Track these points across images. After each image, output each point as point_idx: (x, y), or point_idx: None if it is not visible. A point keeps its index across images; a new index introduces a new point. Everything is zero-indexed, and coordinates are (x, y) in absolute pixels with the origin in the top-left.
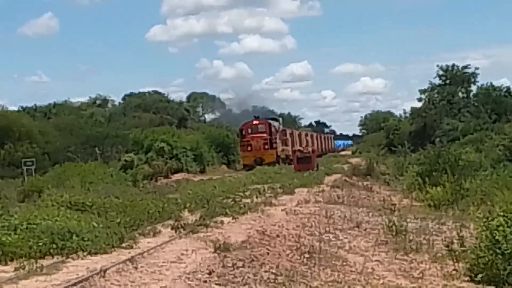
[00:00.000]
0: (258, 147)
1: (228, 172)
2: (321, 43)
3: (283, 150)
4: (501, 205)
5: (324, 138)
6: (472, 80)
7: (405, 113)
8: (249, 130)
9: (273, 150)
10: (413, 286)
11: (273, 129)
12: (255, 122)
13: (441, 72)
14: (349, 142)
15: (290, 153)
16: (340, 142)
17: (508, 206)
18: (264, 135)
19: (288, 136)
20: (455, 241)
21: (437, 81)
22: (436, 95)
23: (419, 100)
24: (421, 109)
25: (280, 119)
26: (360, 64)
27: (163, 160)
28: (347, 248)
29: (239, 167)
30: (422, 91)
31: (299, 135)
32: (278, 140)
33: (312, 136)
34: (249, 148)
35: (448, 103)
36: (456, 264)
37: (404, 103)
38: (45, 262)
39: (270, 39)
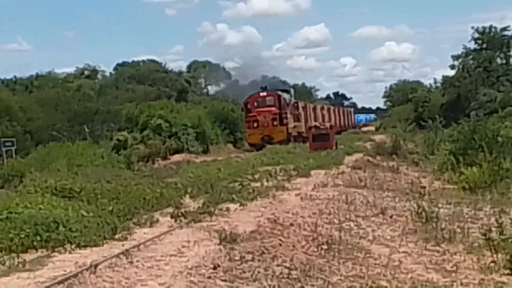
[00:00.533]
0: (266, 123)
1: (235, 152)
2: (339, 2)
3: (295, 126)
4: None
5: (343, 112)
6: None
7: (435, 82)
8: (255, 104)
9: (283, 126)
10: (445, 280)
11: (283, 102)
12: (262, 94)
13: (476, 35)
14: (372, 116)
15: (304, 130)
16: (362, 116)
17: None
18: (273, 109)
19: (301, 110)
20: (493, 229)
21: (472, 45)
22: (471, 62)
23: (452, 67)
24: (454, 78)
25: (292, 90)
26: (384, 27)
27: (160, 139)
28: (370, 238)
29: (246, 147)
30: (455, 57)
31: (314, 109)
32: (289, 115)
33: (329, 110)
34: (255, 124)
35: (485, 70)
36: (494, 255)
37: (434, 71)
38: (28, 256)
39: None
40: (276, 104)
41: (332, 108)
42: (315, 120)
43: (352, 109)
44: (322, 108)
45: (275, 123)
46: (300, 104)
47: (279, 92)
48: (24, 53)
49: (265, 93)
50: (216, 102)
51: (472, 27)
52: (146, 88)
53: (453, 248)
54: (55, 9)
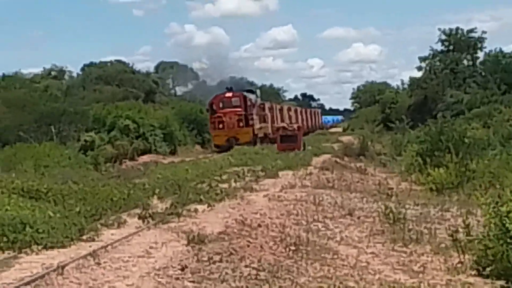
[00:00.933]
0: (232, 124)
1: (203, 153)
2: (307, 4)
3: (261, 127)
4: None
5: (311, 113)
6: (479, 45)
7: (403, 84)
8: (221, 104)
9: (249, 127)
10: (413, 281)
11: (249, 102)
12: (227, 94)
13: (443, 37)
14: (340, 117)
15: (270, 131)
16: (329, 118)
17: None
18: (239, 110)
19: (267, 111)
20: (460, 229)
21: (439, 47)
22: (438, 63)
23: (419, 69)
24: (421, 80)
25: (258, 91)
26: (352, 28)
27: (128, 140)
28: (338, 239)
29: (214, 148)
30: (422, 59)
31: (281, 110)
32: (255, 116)
33: (296, 111)
34: (220, 125)
35: (451, 72)
36: (461, 256)
37: (402, 72)
38: None
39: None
40: (242, 105)
41: (299, 109)
42: (282, 121)
43: (319, 110)
44: (289, 109)
45: (241, 124)
46: (267, 105)
47: (245, 93)
48: None
49: (230, 94)
50: (183, 103)
51: (439, 29)
52: (113, 89)
53: (420, 249)
54: (21, 9)
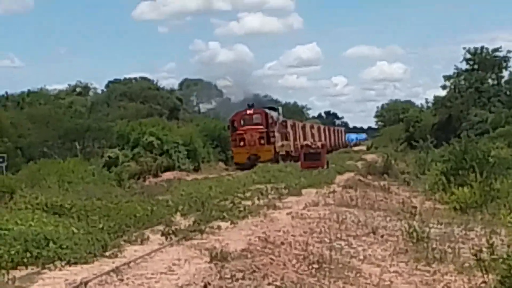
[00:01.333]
0: (253, 141)
1: (226, 170)
2: (332, 22)
3: (282, 145)
4: None
5: (334, 131)
6: (504, 65)
7: (427, 102)
8: (242, 122)
9: (270, 145)
10: None
11: (270, 120)
12: (249, 111)
13: (468, 56)
14: (364, 135)
15: (292, 149)
16: (353, 136)
17: None
18: (260, 127)
19: (289, 128)
20: (484, 249)
21: (463, 66)
22: (462, 82)
23: (443, 87)
24: (446, 98)
25: (280, 108)
26: (376, 47)
27: (152, 157)
28: (361, 257)
29: None
30: (447, 78)
31: (303, 127)
32: (276, 134)
33: (319, 129)
34: (241, 143)
35: (476, 91)
36: (485, 275)
37: (426, 91)
38: (18, 273)
39: (273, 17)
40: (263, 122)
41: (322, 127)
42: (305, 139)
43: (343, 128)
44: (311, 127)
45: (262, 141)
46: (289, 123)
47: (267, 110)
48: (16, 69)
49: (252, 111)
50: (207, 120)
51: (464, 48)
52: (137, 106)
53: (444, 268)
54: (47, 26)
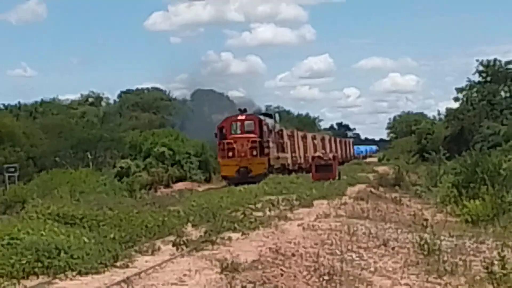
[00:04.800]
0: (243, 152)
1: None
2: (344, 33)
3: (278, 158)
4: None
5: (341, 142)
6: None
7: (439, 114)
8: (232, 129)
9: (263, 157)
10: None
11: (265, 128)
12: (240, 117)
13: (481, 68)
14: (374, 147)
15: (289, 162)
16: (362, 148)
17: None
18: (253, 135)
19: (286, 139)
20: (495, 262)
21: (476, 78)
22: (475, 95)
23: (456, 100)
24: (458, 111)
25: (277, 115)
26: (389, 58)
27: (163, 167)
28: (372, 269)
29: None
30: (459, 90)
31: (304, 138)
32: (271, 144)
33: (323, 140)
34: (230, 153)
35: (488, 103)
36: None
37: (438, 103)
38: (29, 282)
39: (286, 28)
40: (257, 130)
41: (327, 137)
42: (305, 151)
43: (351, 140)
44: (313, 138)
45: (255, 152)
46: (286, 132)
47: (261, 116)
48: (28, 79)
49: (243, 116)
50: None
51: (477, 60)
52: (150, 116)
53: (455, 281)
54: (60, 35)
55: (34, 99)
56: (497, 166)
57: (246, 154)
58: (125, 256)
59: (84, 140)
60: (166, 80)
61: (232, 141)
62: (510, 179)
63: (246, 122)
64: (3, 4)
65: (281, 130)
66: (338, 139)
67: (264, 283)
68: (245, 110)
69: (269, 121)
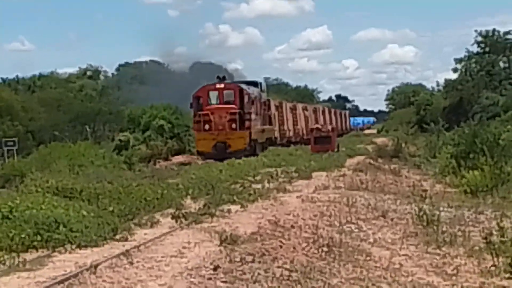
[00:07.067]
0: (221, 125)
1: None
2: (342, 5)
3: (263, 130)
4: None
5: (335, 114)
6: None
7: (438, 85)
8: (209, 99)
9: (244, 130)
10: (446, 284)
11: (246, 98)
12: (218, 85)
13: (479, 39)
14: (371, 119)
15: (277, 135)
16: (359, 119)
17: None
18: (232, 106)
19: (273, 109)
20: (494, 232)
21: (475, 49)
22: (473, 65)
23: (454, 71)
24: (457, 81)
25: (264, 83)
26: (387, 30)
27: (162, 140)
28: (371, 240)
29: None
30: (458, 61)
31: (293, 109)
32: (254, 116)
33: (315, 111)
34: (206, 126)
35: (487, 74)
36: (495, 259)
37: (437, 74)
38: (29, 256)
39: (284, 0)
40: (237, 101)
41: (320, 109)
42: (294, 123)
43: (347, 112)
44: (304, 109)
45: (234, 125)
46: (273, 103)
47: (242, 85)
48: (26, 52)
49: (222, 85)
50: None
51: (475, 31)
52: (148, 89)
53: (454, 251)
54: (58, 9)
55: (32, 72)
56: (496, 137)
57: (224, 127)
58: (124, 229)
59: (82, 113)
60: (164, 53)
61: (208, 112)
62: (509, 149)
63: (225, 92)
64: None
65: (268, 100)
66: (333, 110)
67: (263, 255)
68: (224, 78)
69: (253, 90)
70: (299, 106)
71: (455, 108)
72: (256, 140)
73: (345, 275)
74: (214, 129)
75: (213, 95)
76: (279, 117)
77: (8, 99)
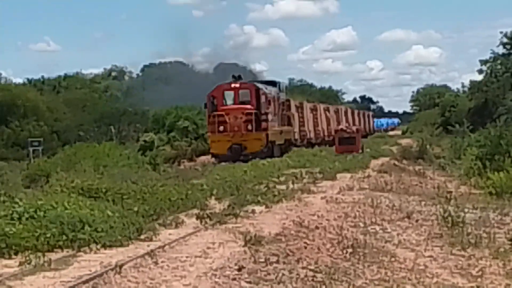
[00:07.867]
0: (237, 126)
1: None
2: (367, 6)
3: (281, 132)
4: None
5: (358, 115)
6: None
7: (463, 87)
8: (224, 99)
9: (260, 132)
10: (471, 285)
11: (263, 98)
12: (234, 85)
13: (505, 40)
14: (395, 120)
15: (297, 136)
16: (383, 120)
17: None
18: (248, 106)
19: (293, 110)
20: None
21: (500, 50)
22: (499, 67)
23: (480, 72)
24: (482, 83)
25: (283, 83)
26: (412, 31)
27: (187, 141)
28: (395, 242)
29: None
30: (483, 62)
31: (314, 109)
32: (271, 116)
33: (337, 112)
34: (221, 127)
35: None
36: None
37: (462, 75)
38: (54, 255)
39: (309, 1)
40: (253, 101)
41: (342, 109)
42: (315, 124)
43: (370, 113)
44: (326, 110)
45: (250, 127)
46: (293, 103)
47: (259, 85)
48: (52, 53)
49: (237, 84)
50: None
51: (501, 32)
52: (173, 90)
53: (479, 253)
54: (83, 10)
55: (58, 73)
56: None
57: (240, 128)
58: (148, 229)
59: (107, 114)
60: (189, 54)
61: (223, 113)
62: None
63: (241, 91)
64: None
65: (288, 101)
66: (356, 111)
67: (288, 256)
68: (239, 77)
69: (271, 89)
70: (321, 106)
71: (480, 109)
72: (274, 142)
73: (369, 276)
74: (229, 130)
75: (228, 95)
76: (299, 117)
77: (33, 100)
